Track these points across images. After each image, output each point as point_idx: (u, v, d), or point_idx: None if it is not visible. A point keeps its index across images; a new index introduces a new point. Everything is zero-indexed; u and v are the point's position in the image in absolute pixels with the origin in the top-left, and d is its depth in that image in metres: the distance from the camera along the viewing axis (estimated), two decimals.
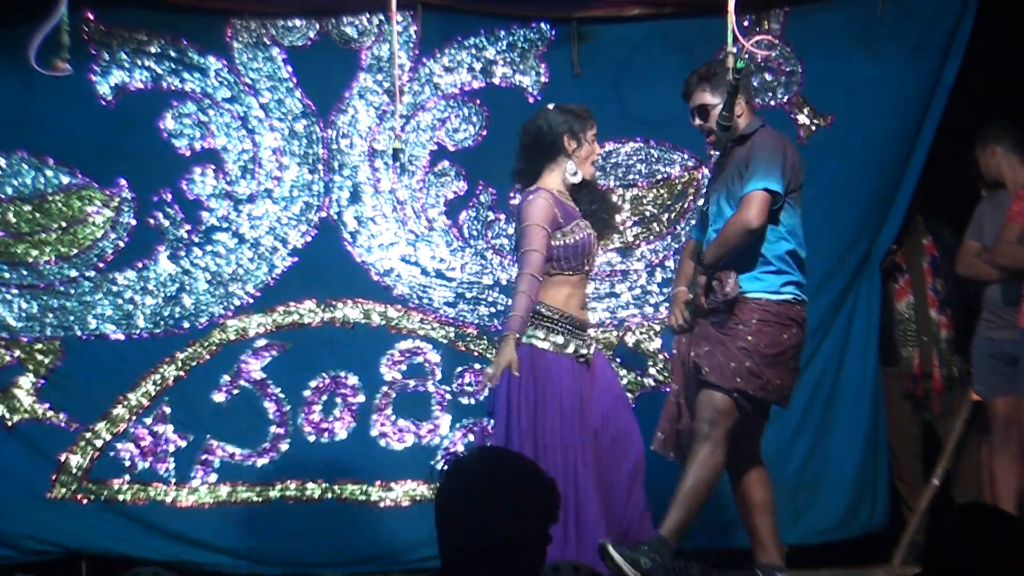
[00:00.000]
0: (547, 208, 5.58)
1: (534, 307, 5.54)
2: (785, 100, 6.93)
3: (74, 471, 6.74)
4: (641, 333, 6.95)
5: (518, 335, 5.49)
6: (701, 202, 6.11)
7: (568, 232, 5.60)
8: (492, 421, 5.69)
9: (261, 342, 6.86)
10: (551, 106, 5.75)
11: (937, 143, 6.88)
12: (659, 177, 6.95)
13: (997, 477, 6.38)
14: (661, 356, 6.93)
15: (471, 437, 6.87)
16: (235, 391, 6.84)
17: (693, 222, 6.16)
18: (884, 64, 6.85)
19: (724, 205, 5.62)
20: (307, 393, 6.86)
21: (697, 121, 5.75)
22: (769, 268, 5.57)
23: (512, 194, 6.89)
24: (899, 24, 6.84)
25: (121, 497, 6.76)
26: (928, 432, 7.13)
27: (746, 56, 6.07)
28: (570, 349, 5.60)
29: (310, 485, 6.80)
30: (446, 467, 3.21)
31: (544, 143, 5.68)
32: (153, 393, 6.81)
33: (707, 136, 5.76)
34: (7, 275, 6.80)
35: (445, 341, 6.91)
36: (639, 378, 6.92)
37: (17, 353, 6.79)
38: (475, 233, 6.94)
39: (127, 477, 6.77)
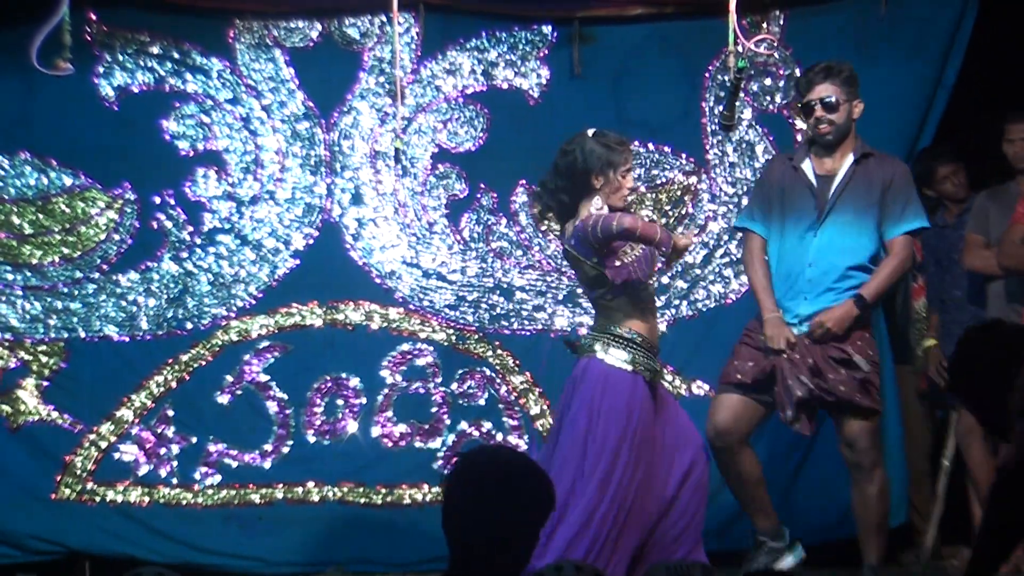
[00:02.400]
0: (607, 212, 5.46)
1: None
2: (784, 104, 6.95)
3: (78, 472, 6.76)
4: None
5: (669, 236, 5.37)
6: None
7: (631, 249, 5.43)
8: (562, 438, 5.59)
9: (263, 344, 6.87)
10: (590, 132, 5.52)
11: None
12: (658, 181, 6.96)
13: None
14: None
15: (474, 436, 6.89)
16: (238, 392, 6.86)
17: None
18: (882, 67, 6.84)
19: (848, 224, 5.64)
20: (309, 395, 6.87)
21: (820, 112, 5.73)
22: None
23: (513, 197, 6.92)
24: (898, 26, 6.83)
25: (125, 498, 6.78)
26: (940, 432, 7.13)
27: (747, 57, 6.10)
28: (651, 371, 5.47)
29: (312, 487, 6.81)
30: (451, 468, 3.22)
31: (575, 176, 5.47)
32: (156, 395, 6.82)
33: (822, 126, 5.74)
34: (11, 276, 6.81)
35: (446, 343, 6.92)
36: None
37: (21, 355, 6.80)
38: (476, 236, 6.95)
39: (131, 479, 6.80)
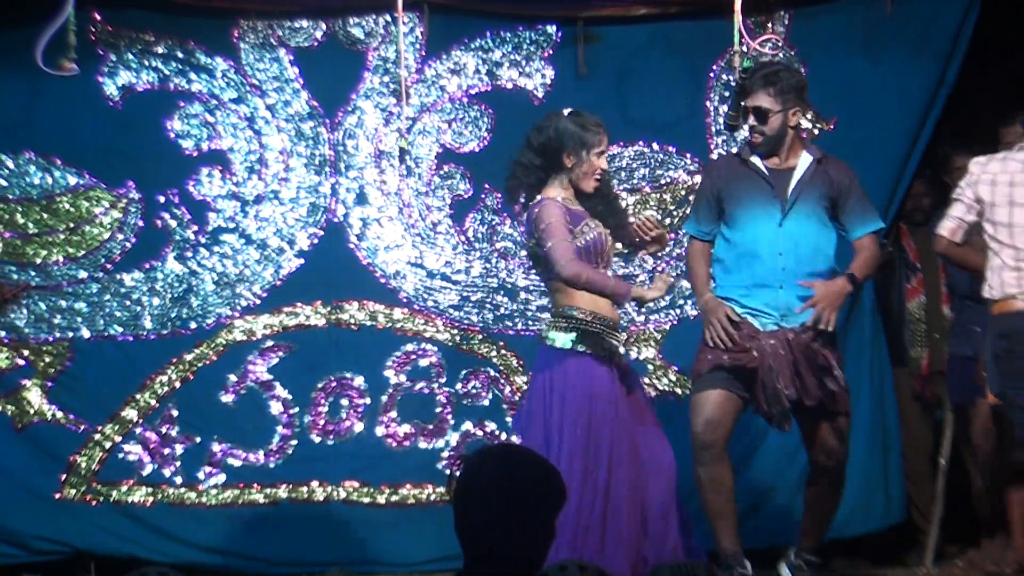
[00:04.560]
0: (557, 209, 5.55)
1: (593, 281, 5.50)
2: None
3: (83, 472, 6.76)
4: (641, 340, 6.94)
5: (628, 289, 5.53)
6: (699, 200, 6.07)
7: (578, 234, 5.55)
8: (516, 423, 5.67)
9: (267, 343, 6.87)
10: (566, 112, 5.66)
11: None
12: (662, 181, 6.95)
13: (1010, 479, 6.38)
14: (659, 362, 6.94)
15: (478, 436, 6.89)
16: (242, 392, 6.86)
17: (693, 222, 6.02)
18: (887, 66, 6.85)
19: (811, 215, 5.64)
20: (313, 394, 6.87)
21: (752, 122, 5.68)
22: None
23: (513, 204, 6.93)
24: (903, 26, 6.83)
25: (129, 498, 6.78)
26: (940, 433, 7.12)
27: (752, 56, 6.08)
28: (605, 349, 5.54)
29: (316, 486, 6.81)
30: (458, 470, 3.21)
31: (548, 153, 5.62)
32: (161, 394, 6.82)
33: (754, 136, 5.69)
34: (15, 276, 6.80)
35: (450, 344, 6.92)
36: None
37: (26, 354, 6.79)
38: (480, 236, 6.95)
39: (135, 478, 6.80)
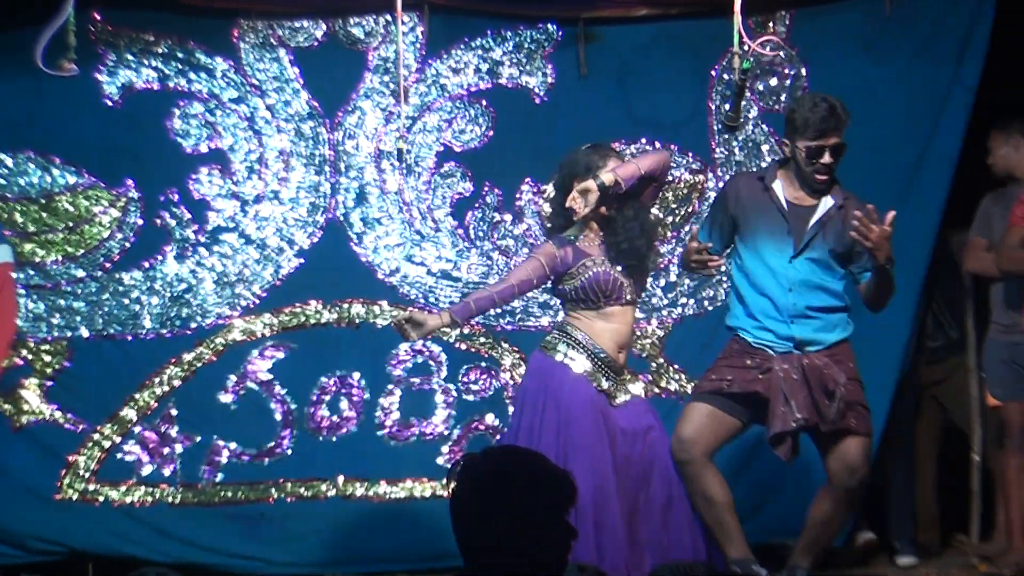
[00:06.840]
0: (550, 249, 5.63)
1: (490, 300, 5.62)
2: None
3: (82, 472, 6.74)
4: (644, 338, 6.93)
5: (452, 315, 5.57)
6: (704, 213, 6.03)
7: (575, 274, 5.58)
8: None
9: (267, 342, 6.86)
10: (584, 148, 5.70)
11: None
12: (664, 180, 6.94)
13: (1009, 480, 6.37)
14: (661, 360, 6.93)
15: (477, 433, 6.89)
16: (242, 392, 6.85)
17: (700, 229, 5.94)
18: (890, 67, 6.83)
19: (824, 260, 5.56)
20: (313, 393, 6.86)
21: (828, 160, 5.52)
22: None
23: (518, 195, 6.92)
24: (905, 26, 6.82)
25: (128, 498, 6.76)
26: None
27: (752, 57, 6.06)
28: (595, 382, 5.57)
29: (316, 484, 6.80)
30: (457, 469, 3.20)
31: (560, 186, 5.74)
32: (160, 394, 6.81)
33: (824, 175, 5.54)
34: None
35: (451, 340, 6.91)
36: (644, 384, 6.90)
37: (24, 354, 6.79)
38: (481, 234, 6.94)
39: (134, 478, 6.78)
